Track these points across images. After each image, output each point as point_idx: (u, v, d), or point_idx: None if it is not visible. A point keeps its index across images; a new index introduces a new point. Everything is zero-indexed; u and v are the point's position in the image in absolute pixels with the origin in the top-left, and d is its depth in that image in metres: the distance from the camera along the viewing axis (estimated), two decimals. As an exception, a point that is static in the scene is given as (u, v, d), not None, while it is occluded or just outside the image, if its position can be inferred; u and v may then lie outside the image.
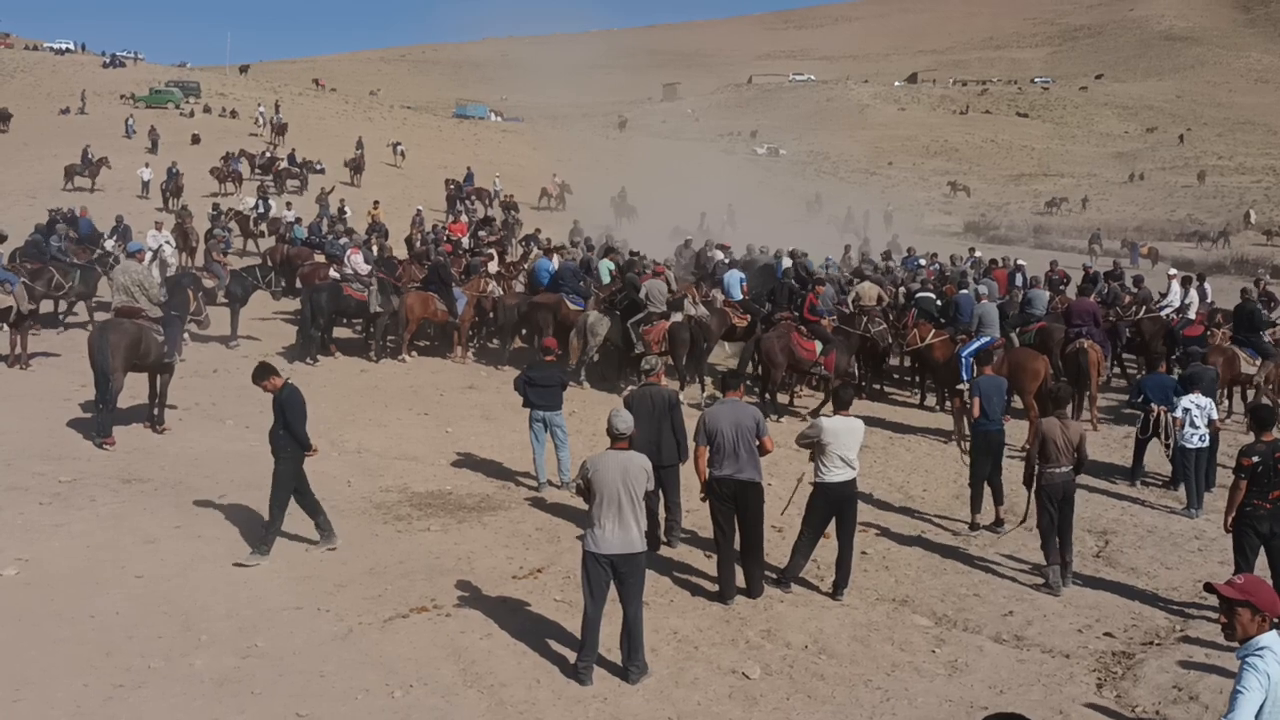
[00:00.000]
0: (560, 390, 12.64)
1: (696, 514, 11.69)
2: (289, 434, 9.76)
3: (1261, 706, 4.46)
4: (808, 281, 19.70)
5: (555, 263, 21.14)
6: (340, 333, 20.99)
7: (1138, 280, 22.45)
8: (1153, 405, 13.67)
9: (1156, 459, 13.97)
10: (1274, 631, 4.64)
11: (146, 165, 41.78)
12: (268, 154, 48.36)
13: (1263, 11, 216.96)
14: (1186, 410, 12.68)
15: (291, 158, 47.49)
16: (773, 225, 36.94)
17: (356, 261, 19.90)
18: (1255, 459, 8.95)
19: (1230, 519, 9.20)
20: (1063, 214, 69.64)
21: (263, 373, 10.05)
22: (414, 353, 19.83)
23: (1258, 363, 16.74)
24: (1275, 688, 4.47)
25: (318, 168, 47.10)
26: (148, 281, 13.62)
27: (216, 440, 13.44)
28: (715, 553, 9.78)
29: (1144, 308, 19.95)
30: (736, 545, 9.52)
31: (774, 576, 9.71)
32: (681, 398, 17.75)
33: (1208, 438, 12.68)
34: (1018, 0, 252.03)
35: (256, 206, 33.66)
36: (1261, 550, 9.15)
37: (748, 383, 17.29)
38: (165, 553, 9.60)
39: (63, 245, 21.04)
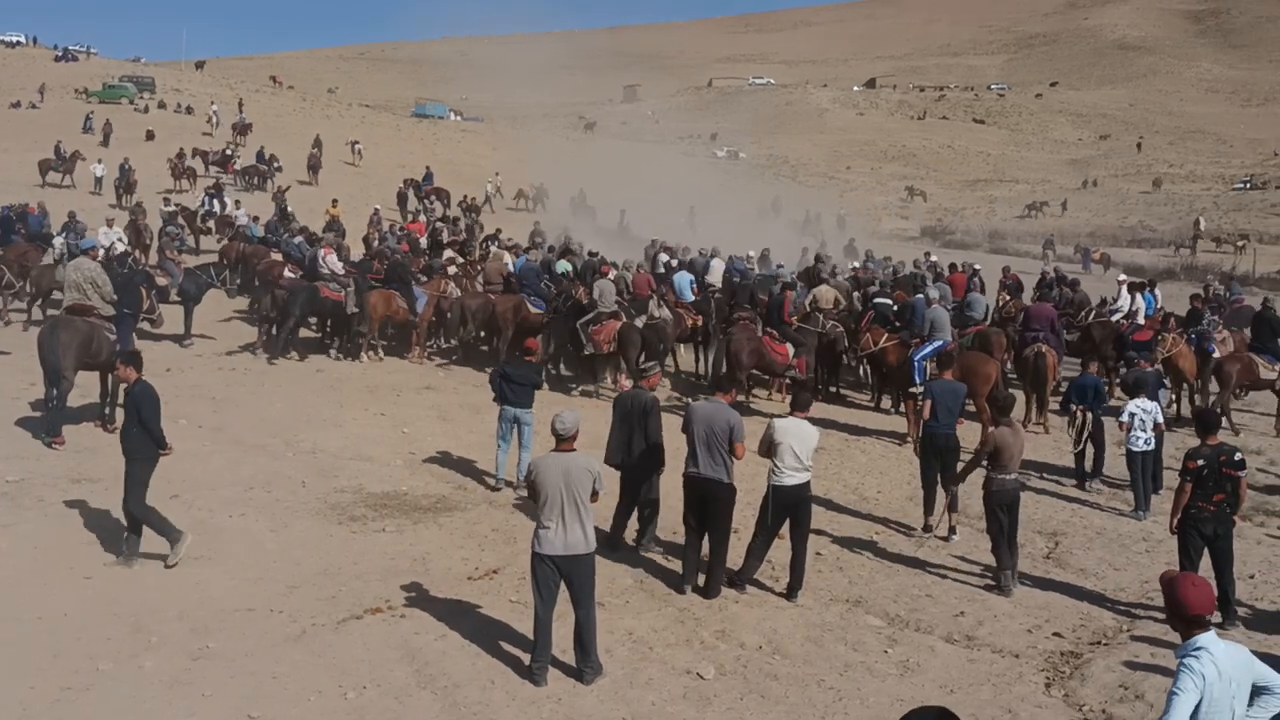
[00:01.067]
0: (533, 390, 12.70)
1: (662, 512, 11.75)
2: (144, 432, 9.36)
3: (1199, 706, 4.55)
4: (740, 284, 19.93)
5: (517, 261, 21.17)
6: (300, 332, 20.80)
7: (1073, 284, 22.81)
8: (1073, 406, 13.94)
9: (1114, 463, 14.19)
10: (1211, 632, 4.74)
11: (99, 161, 41.21)
12: (227, 151, 47.80)
13: (1213, 23, 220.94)
14: (1133, 414, 12.83)
15: (260, 155, 47.24)
16: (732, 227, 37.07)
17: (332, 261, 19.82)
18: (1200, 462, 9.14)
19: (1175, 521, 9.39)
20: (1046, 217, 70.63)
21: (126, 359, 9.87)
22: (379, 353, 19.66)
23: (1276, 368, 17.15)
24: (1211, 687, 4.56)
25: (276, 166, 46.73)
26: (100, 279, 13.44)
27: (168, 440, 13.25)
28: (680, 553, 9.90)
29: (1089, 312, 20.27)
30: (704, 542, 9.65)
31: (728, 578, 9.77)
32: (579, 390, 17.89)
33: (1153, 441, 12.84)
34: (975, 8, 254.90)
35: (204, 204, 33.27)
36: (1205, 551, 9.35)
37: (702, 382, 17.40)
38: (115, 553, 9.48)
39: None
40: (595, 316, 18.00)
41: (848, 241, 38.37)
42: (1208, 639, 4.69)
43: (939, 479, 11.75)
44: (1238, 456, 9.30)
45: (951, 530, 11.63)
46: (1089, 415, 13.86)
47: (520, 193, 50.08)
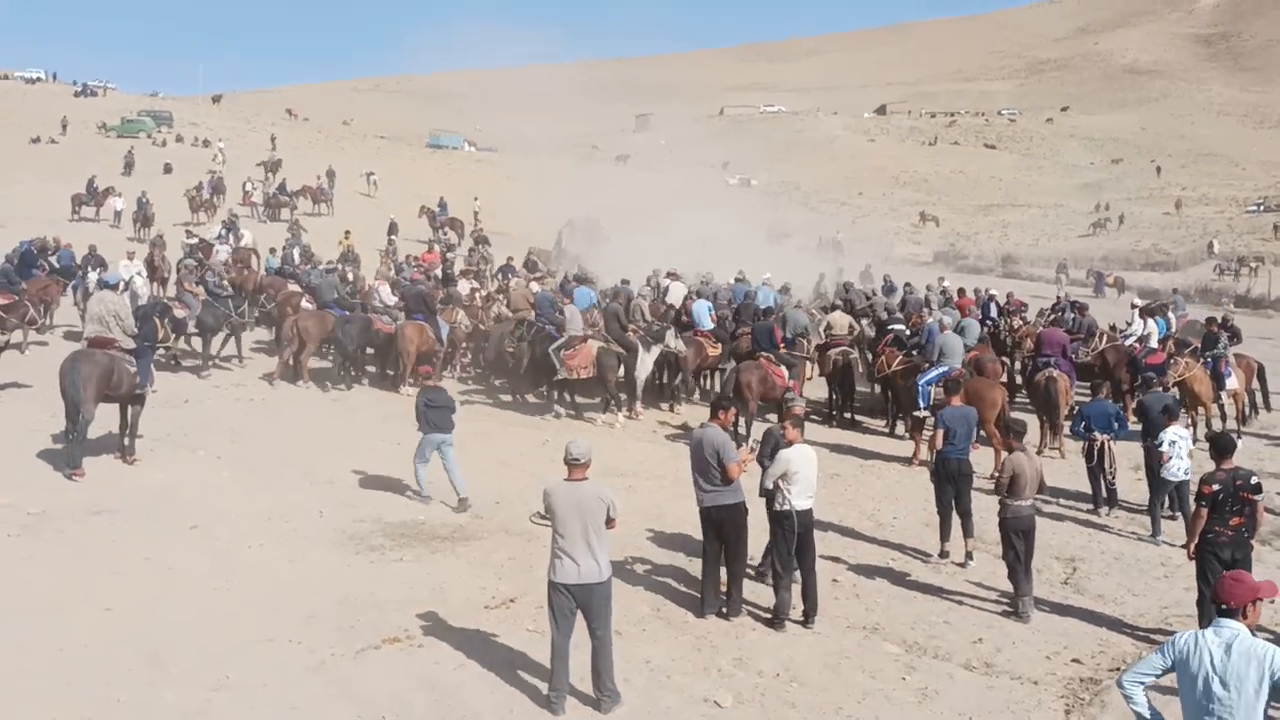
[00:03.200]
0: (451, 412, 12.99)
1: (674, 537, 11.80)
2: None
3: (1198, 686, 5.03)
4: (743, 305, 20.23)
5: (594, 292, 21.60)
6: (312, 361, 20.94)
7: (1082, 308, 22.86)
8: (1095, 434, 13.82)
9: (1130, 486, 14.14)
10: (1233, 622, 5.04)
11: (119, 195, 41.62)
12: (246, 186, 48.19)
13: (1223, 46, 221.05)
14: (1173, 442, 12.52)
15: (282, 187, 47.85)
16: (744, 254, 37.08)
17: (385, 293, 20.12)
18: (1216, 487, 9.10)
19: (1193, 546, 9.34)
20: (1109, 233, 73.01)
21: None
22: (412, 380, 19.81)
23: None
24: (1200, 666, 5.03)
25: (297, 197, 47.42)
26: (123, 312, 13.57)
27: (187, 471, 13.37)
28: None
29: (1099, 336, 20.33)
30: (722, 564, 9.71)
31: (767, 616, 9.70)
32: (601, 419, 17.94)
33: (1190, 469, 12.52)
34: (984, 34, 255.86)
35: (221, 235, 33.48)
36: None
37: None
38: (135, 585, 9.54)
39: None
40: (566, 341, 18.07)
41: (864, 267, 38.34)
42: (1217, 625, 5.09)
43: (954, 505, 11.73)
44: (1253, 480, 9.24)
45: (968, 556, 11.59)
46: (1109, 442, 13.78)
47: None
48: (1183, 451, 12.60)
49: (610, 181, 72.90)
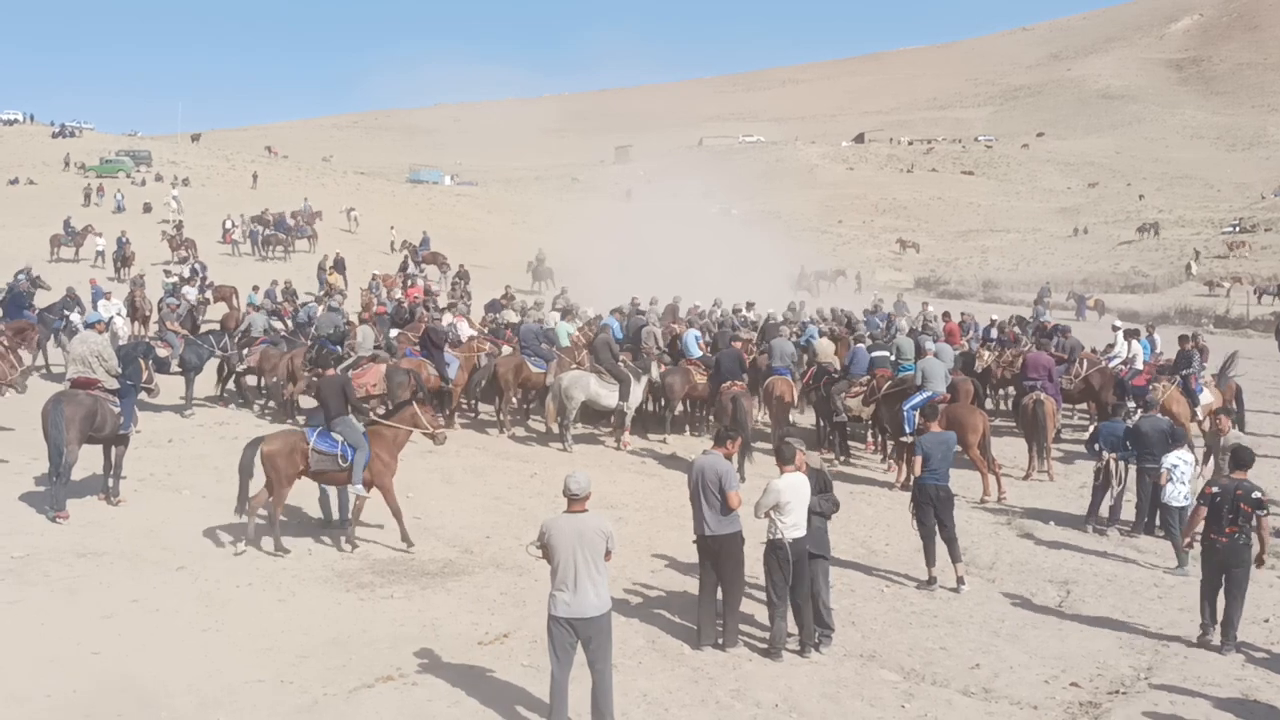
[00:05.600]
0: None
1: (667, 568, 11.74)
2: None
3: None
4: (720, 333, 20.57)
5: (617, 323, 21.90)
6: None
7: (1064, 331, 23.06)
8: (1103, 454, 13.83)
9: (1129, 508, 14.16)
10: None
11: (100, 235, 41.47)
12: (226, 224, 48.02)
13: (1194, 71, 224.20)
14: (1174, 466, 12.42)
15: (282, 224, 48.17)
16: (723, 282, 37.15)
17: (463, 329, 20.54)
18: (1215, 490, 9.59)
19: (1188, 541, 10.03)
20: (1156, 236, 78.29)
21: None
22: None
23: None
24: None
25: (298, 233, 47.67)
26: (106, 352, 13.43)
27: (172, 511, 13.23)
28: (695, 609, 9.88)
29: (1080, 361, 20.43)
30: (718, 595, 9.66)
31: (763, 647, 9.60)
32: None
33: (1191, 495, 12.34)
34: (959, 61, 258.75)
35: (190, 276, 33.09)
36: None
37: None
38: (122, 627, 9.40)
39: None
40: (355, 361, 18.46)
41: (874, 302, 38.33)
42: None
43: (938, 530, 11.67)
44: (1255, 494, 9.51)
45: (960, 582, 11.54)
46: (1121, 464, 13.78)
47: (529, 264, 47.78)
48: (1185, 476, 12.45)
49: (590, 213, 73.16)
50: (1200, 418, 17.75)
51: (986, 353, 22.70)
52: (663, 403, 20.39)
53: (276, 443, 12.16)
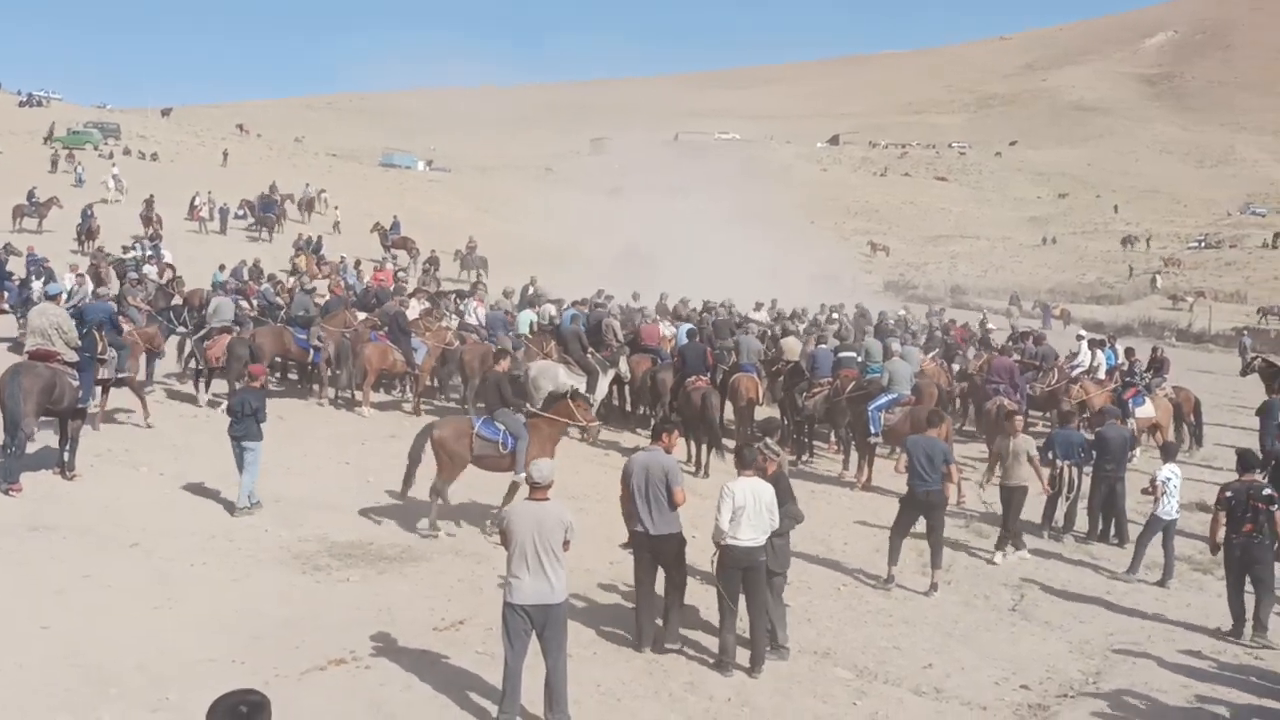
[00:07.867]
0: (255, 419, 12.75)
1: (625, 560, 11.73)
2: None
3: None
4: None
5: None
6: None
7: (1039, 338, 23.17)
8: (1058, 461, 13.96)
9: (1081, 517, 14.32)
10: None
11: (61, 205, 40.81)
12: (195, 201, 47.36)
13: (1167, 86, 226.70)
14: (1167, 480, 12.35)
15: (268, 204, 47.73)
16: (696, 278, 37.20)
17: (481, 314, 20.61)
18: (1229, 493, 10.23)
19: (1214, 544, 10.43)
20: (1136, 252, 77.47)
21: None
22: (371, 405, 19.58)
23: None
24: None
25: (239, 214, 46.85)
26: (66, 324, 13.25)
27: (129, 487, 13.08)
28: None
29: (1054, 370, 20.62)
30: (660, 593, 9.53)
31: (710, 661, 9.23)
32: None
33: (1178, 510, 12.49)
34: (935, 68, 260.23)
35: (147, 255, 32.57)
36: None
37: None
38: (73, 603, 9.29)
39: None
40: (208, 332, 18.65)
41: (877, 316, 38.46)
42: None
43: (927, 535, 11.71)
44: (1266, 492, 10.15)
45: (933, 587, 11.57)
46: (1075, 471, 13.95)
47: (457, 253, 45.23)
48: (1175, 491, 12.39)
49: (562, 204, 72.95)
50: (1134, 429, 17.79)
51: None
52: (627, 393, 20.43)
53: (447, 429, 12.92)
